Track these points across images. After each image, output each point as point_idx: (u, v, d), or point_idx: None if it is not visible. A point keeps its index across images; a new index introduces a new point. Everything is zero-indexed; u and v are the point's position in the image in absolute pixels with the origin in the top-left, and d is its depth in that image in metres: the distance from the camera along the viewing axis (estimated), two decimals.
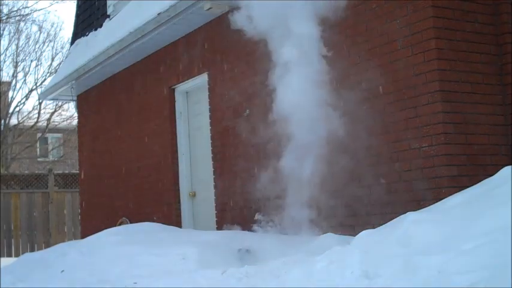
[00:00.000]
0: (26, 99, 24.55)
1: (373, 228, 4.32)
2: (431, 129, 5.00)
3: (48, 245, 13.79)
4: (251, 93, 6.93)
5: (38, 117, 24.07)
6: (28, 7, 35.83)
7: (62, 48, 24.53)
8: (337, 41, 5.85)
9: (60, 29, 48.92)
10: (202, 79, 7.93)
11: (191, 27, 7.89)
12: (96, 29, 10.68)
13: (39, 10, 36.28)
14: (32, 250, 14.20)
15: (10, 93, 23.69)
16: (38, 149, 26.63)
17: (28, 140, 24.50)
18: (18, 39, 23.90)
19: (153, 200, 8.83)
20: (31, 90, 24.23)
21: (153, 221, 8.11)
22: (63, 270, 5.44)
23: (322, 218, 5.83)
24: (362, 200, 5.55)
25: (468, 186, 4.18)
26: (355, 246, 3.80)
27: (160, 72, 8.70)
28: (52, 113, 24.54)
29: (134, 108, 9.35)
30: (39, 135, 25.19)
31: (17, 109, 23.58)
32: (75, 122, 18.76)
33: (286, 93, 5.84)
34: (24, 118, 24.01)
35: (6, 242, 14.41)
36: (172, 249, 5.27)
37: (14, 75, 23.85)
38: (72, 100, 11.75)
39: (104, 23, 10.42)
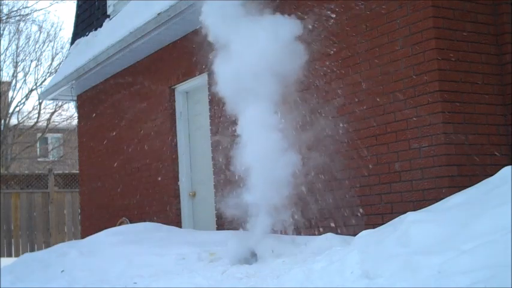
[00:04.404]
0: (26, 99, 24.58)
1: (373, 228, 4.32)
2: (431, 129, 5.00)
3: (48, 245, 13.80)
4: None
5: (38, 117, 24.09)
6: (28, 7, 35.90)
7: (62, 48, 24.61)
8: (337, 41, 5.85)
9: (60, 29, 48.90)
10: (202, 79, 7.93)
11: (191, 27, 7.89)
12: (96, 29, 10.68)
13: (39, 10, 36.30)
14: (32, 250, 14.20)
15: (10, 93, 23.70)
16: (38, 149, 26.64)
17: (28, 140, 24.50)
18: (18, 39, 23.94)
19: (153, 200, 8.84)
20: (31, 90, 24.28)
21: (153, 221, 8.12)
22: (63, 270, 5.44)
23: (322, 218, 5.83)
24: (362, 200, 5.55)
25: (468, 186, 4.18)
26: (355, 246, 3.80)
27: (160, 72, 8.70)
28: (52, 113, 24.55)
29: (134, 108, 9.35)
30: (39, 135, 25.19)
31: (17, 109, 23.60)
32: (75, 122, 18.76)
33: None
34: (24, 118, 24.03)
35: (6, 242, 14.41)
36: (172, 249, 5.28)
37: (14, 75, 23.89)
38: (72, 100, 11.76)
39: (104, 23, 10.42)
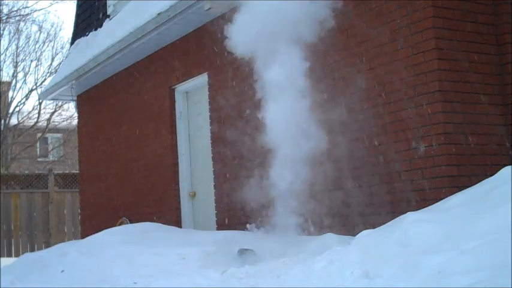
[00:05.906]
0: (26, 99, 24.58)
1: (373, 228, 4.32)
2: (431, 129, 5.00)
3: (48, 245, 13.80)
4: (251, 93, 6.92)
5: (38, 117, 24.08)
6: (28, 7, 35.87)
7: (62, 48, 24.60)
8: (337, 41, 5.85)
9: (60, 29, 48.94)
10: (202, 79, 7.93)
11: (191, 27, 7.89)
12: (96, 29, 10.68)
13: (39, 10, 36.31)
14: (32, 250, 14.20)
15: (10, 93, 23.70)
16: (38, 149, 26.64)
17: (28, 140, 24.50)
18: (18, 39, 23.94)
19: (153, 200, 8.83)
20: (31, 90, 24.27)
21: (153, 221, 8.11)
22: (63, 270, 5.44)
23: (322, 218, 5.82)
24: (362, 200, 5.55)
25: (468, 186, 4.18)
26: (355, 246, 3.80)
27: (160, 72, 8.70)
28: (52, 113, 24.55)
29: (134, 108, 9.35)
30: (39, 135, 25.19)
31: (17, 109, 23.60)
32: (75, 122, 18.77)
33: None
34: (24, 118, 24.02)
35: (6, 242, 14.41)
36: (172, 249, 5.27)
37: (14, 75, 23.89)
38: (72, 100, 11.76)
39: (104, 23, 10.42)
